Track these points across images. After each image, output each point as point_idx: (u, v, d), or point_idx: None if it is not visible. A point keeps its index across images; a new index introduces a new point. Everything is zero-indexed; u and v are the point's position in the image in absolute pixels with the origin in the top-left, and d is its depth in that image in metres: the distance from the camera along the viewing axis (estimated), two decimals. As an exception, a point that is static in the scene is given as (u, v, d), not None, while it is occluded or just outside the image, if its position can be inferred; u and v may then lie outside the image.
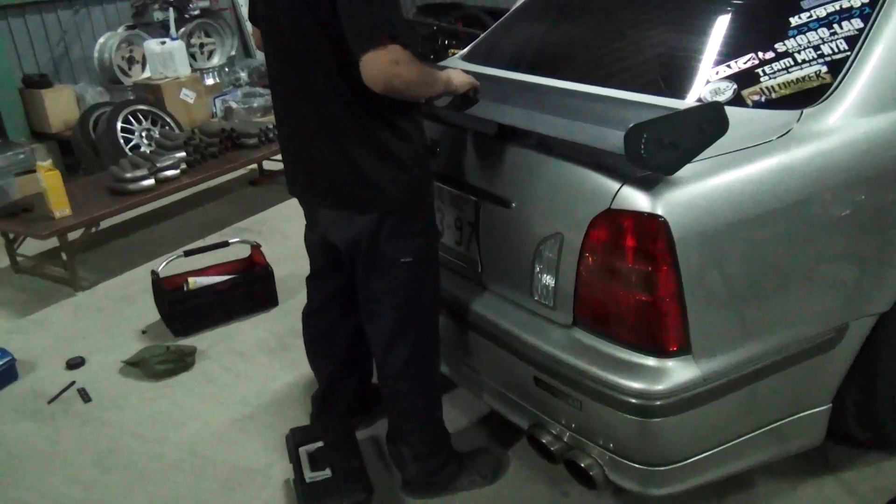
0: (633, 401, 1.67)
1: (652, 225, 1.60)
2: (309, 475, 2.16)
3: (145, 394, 2.88)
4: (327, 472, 2.16)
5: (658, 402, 1.66)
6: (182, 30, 6.10)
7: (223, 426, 2.65)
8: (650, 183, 1.62)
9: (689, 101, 1.95)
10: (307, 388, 2.73)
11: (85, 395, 2.87)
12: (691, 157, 1.58)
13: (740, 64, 1.93)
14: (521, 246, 1.89)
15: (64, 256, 3.77)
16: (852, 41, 1.85)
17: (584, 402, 1.77)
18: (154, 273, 3.32)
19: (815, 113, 1.79)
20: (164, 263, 3.36)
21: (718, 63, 1.98)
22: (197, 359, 3.05)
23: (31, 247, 4.07)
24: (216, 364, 3.04)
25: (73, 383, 2.96)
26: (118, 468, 2.49)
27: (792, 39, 1.91)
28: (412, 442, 2.18)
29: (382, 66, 1.69)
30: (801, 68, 1.86)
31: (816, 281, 1.80)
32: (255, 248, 3.53)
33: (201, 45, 6.34)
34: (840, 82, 1.81)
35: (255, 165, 5.00)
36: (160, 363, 2.95)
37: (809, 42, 1.89)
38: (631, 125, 1.48)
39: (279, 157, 2.21)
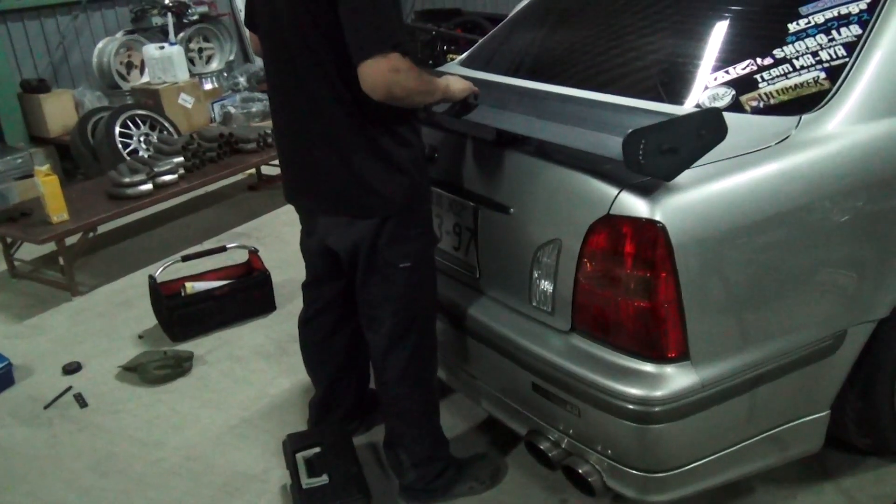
0: (632, 407, 1.66)
1: (650, 231, 1.60)
2: (306, 481, 2.16)
3: (142, 399, 2.87)
4: (325, 479, 2.15)
5: (657, 409, 1.65)
6: (181, 35, 6.10)
7: (221, 431, 2.65)
8: (649, 189, 1.62)
9: (688, 106, 1.95)
10: (305, 393, 2.73)
11: (81, 401, 2.87)
12: (690, 163, 1.58)
13: (739, 70, 1.94)
14: (519, 252, 1.89)
15: (62, 261, 3.77)
16: (851, 48, 1.85)
17: (582, 409, 1.76)
18: (151, 278, 3.31)
19: (814, 119, 1.79)
20: (162, 268, 3.36)
21: (717, 69, 1.98)
22: (194, 364, 3.05)
23: (29, 251, 4.06)
24: (214, 369, 3.03)
25: (69, 388, 2.95)
26: (115, 473, 2.48)
27: (790, 45, 1.91)
28: (410, 448, 2.17)
29: (382, 74, 1.69)
30: (800, 74, 1.86)
31: (815, 287, 1.80)
32: (253, 253, 3.53)
33: (200, 50, 6.35)
34: (838, 89, 1.82)
35: (253, 170, 5.00)
36: (157, 368, 2.95)
37: (808, 48, 1.89)
38: (629, 131, 1.48)
39: (277, 162, 2.21)
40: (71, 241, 3.78)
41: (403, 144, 1.89)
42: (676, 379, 1.66)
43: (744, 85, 1.91)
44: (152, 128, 5.22)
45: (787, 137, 1.76)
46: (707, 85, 1.97)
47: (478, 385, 2.17)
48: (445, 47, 5.70)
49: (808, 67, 1.86)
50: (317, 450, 2.26)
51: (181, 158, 4.33)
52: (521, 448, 2.00)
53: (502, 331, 1.95)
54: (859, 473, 2.18)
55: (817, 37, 1.89)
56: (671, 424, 1.68)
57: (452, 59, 3.05)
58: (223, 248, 3.57)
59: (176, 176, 4.21)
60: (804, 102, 1.83)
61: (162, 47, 5.71)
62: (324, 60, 1.81)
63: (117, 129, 5.00)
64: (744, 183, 1.67)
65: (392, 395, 2.14)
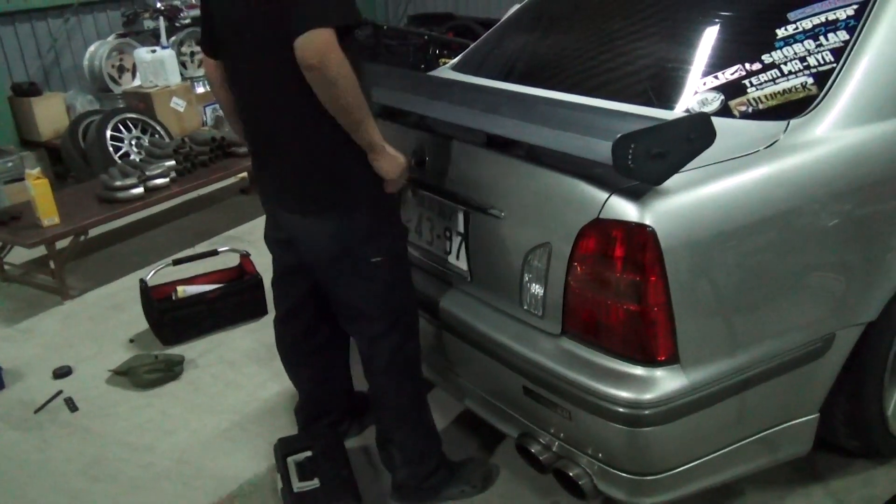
0: (622, 410, 1.67)
1: (640, 235, 1.61)
2: (297, 485, 2.15)
3: (133, 403, 2.86)
4: (315, 482, 2.15)
5: (647, 412, 1.66)
6: (173, 38, 6.09)
7: (212, 435, 2.64)
8: (638, 193, 1.63)
9: (677, 111, 1.96)
10: (296, 397, 2.71)
11: (72, 405, 2.85)
12: (679, 167, 1.59)
13: (727, 75, 1.95)
14: (510, 255, 1.89)
15: (52, 265, 3.75)
16: (838, 53, 1.87)
17: (572, 412, 1.77)
18: (142, 282, 3.30)
19: (802, 124, 1.80)
20: (153, 272, 3.35)
21: (706, 74, 2.00)
22: (185, 368, 3.04)
23: (19, 255, 4.05)
24: (205, 373, 3.03)
25: (59, 392, 2.94)
26: (106, 478, 2.47)
27: (779, 51, 1.92)
28: (403, 444, 2.17)
29: (320, 44, 1.66)
30: (788, 79, 1.88)
31: (804, 290, 1.81)
32: (245, 256, 3.52)
33: (192, 54, 6.33)
34: (826, 94, 1.83)
35: (244, 174, 4.99)
36: (148, 372, 2.94)
37: (796, 54, 1.90)
38: (619, 135, 1.49)
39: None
40: (62, 244, 3.77)
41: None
42: (666, 382, 1.66)
43: (733, 90, 1.92)
44: (144, 131, 5.21)
45: (775, 142, 1.77)
46: (696, 90, 1.98)
47: (469, 388, 2.17)
48: (437, 51, 5.71)
49: (796, 73, 1.88)
50: (308, 453, 2.26)
51: (173, 162, 4.32)
52: (512, 451, 2.00)
53: (493, 334, 1.95)
54: (848, 475, 2.19)
55: (805, 42, 1.91)
56: (661, 427, 1.68)
57: (445, 63, 3.06)
58: (215, 252, 3.56)
59: (167, 179, 4.21)
60: (792, 107, 1.84)
61: (154, 51, 5.70)
62: (289, 57, 1.75)
63: (108, 133, 4.99)
64: (732, 187, 1.69)
65: (380, 386, 2.14)
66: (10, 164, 4.96)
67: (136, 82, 5.86)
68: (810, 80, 1.86)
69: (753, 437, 1.85)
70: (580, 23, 2.62)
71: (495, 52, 2.78)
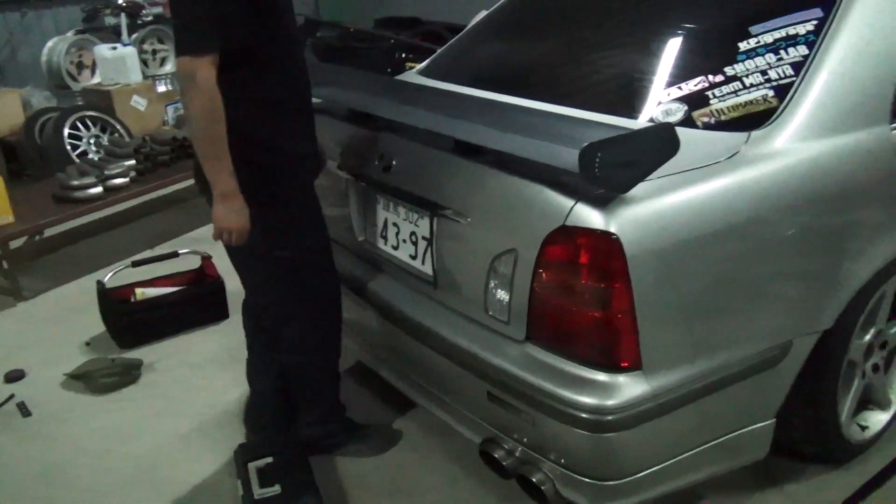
0: (585, 416, 1.68)
1: (605, 242, 1.62)
2: (258, 492, 2.13)
3: (89, 408, 2.80)
4: (277, 489, 2.12)
5: (609, 417, 1.67)
6: (134, 35, 5.99)
7: (171, 441, 2.59)
8: (604, 201, 1.64)
9: (642, 121, 1.99)
10: (258, 402, 2.69)
11: (24, 409, 2.78)
12: (644, 176, 1.61)
13: (691, 86, 1.98)
14: (475, 261, 1.90)
15: (5, 265, 3.66)
16: (798, 67, 1.91)
17: (536, 417, 1.78)
18: (100, 283, 3.23)
19: (762, 136, 1.84)
20: (111, 274, 3.28)
21: (670, 85, 2.03)
22: (145, 372, 2.99)
23: (-29, 255, 3.94)
24: (164, 377, 2.97)
25: (12, 396, 2.86)
26: (63, 484, 2.41)
27: (741, 63, 1.96)
28: (308, 409, 2.37)
29: (182, 76, 1.76)
30: (749, 92, 1.92)
31: (763, 299, 1.84)
32: (207, 259, 3.47)
33: (154, 52, 6.23)
34: (786, 106, 1.87)
35: (207, 175, 4.93)
36: (105, 376, 2.88)
37: (757, 66, 1.94)
38: (586, 144, 1.51)
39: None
40: (16, 244, 3.68)
41: (267, 125, 1.95)
42: (629, 388, 1.68)
43: (696, 101, 1.95)
44: (103, 130, 5.11)
45: (736, 153, 1.80)
46: (661, 100, 2.01)
47: (433, 393, 2.17)
48: (404, 55, 5.70)
49: (757, 85, 1.92)
50: (269, 459, 2.23)
51: (133, 161, 4.25)
52: (475, 456, 2.01)
53: (458, 340, 1.95)
54: (804, 480, 2.24)
55: (766, 56, 1.95)
56: (623, 433, 1.70)
57: (412, 68, 3.06)
58: (175, 254, 3.50)
59: (127, 179, 4.14)
60: (753, 119, 1.88)
61: (115, 48, 5.60)
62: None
63: (66, 131, 4.89)
64: (695, 196, 1.71)
65: (289, 363, 2.29)
66: (-38, 161, 4.84)
67: (96, 79, 5.75)
68: (771, 93, 1.90)
69: (713, 442, 1.88)
70: (548, 31, 2.64)
71: (463, 58, 2.78)
